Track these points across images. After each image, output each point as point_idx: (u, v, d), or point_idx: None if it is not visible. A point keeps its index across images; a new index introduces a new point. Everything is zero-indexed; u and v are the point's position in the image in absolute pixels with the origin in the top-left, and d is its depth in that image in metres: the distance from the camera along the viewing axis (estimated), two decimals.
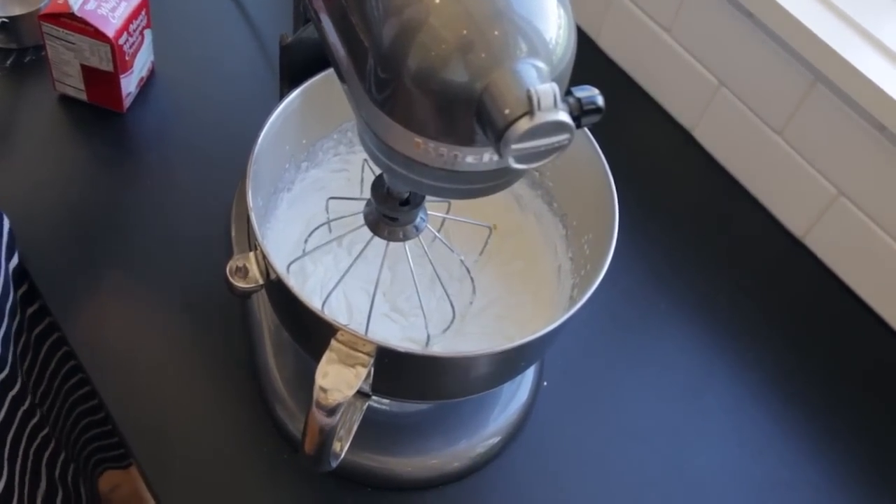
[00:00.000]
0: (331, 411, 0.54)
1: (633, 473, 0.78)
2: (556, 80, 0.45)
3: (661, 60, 0.99)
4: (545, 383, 0.81)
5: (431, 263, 0.66)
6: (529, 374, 0.79)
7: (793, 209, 0.94)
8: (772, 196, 0.96)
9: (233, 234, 0.69)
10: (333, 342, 0.54)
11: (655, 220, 0.94)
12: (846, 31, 0.81)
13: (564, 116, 0.41)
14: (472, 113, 0.44)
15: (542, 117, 0.41)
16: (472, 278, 0.71)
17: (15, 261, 0.77)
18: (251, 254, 0.58)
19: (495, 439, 0.76)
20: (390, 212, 0.58)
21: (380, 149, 0.49)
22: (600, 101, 0.45)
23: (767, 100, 0.91)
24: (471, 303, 0.73)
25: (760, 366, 0.86)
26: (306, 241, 0.69)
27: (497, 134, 0.42)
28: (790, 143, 0.90)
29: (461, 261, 0.70)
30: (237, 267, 0.57)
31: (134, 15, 0.85)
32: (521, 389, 0.78)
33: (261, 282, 0.57)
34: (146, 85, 0.94)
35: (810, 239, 0.94)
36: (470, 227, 0.74)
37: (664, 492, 0.78)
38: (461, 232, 0.76)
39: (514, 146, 0.42)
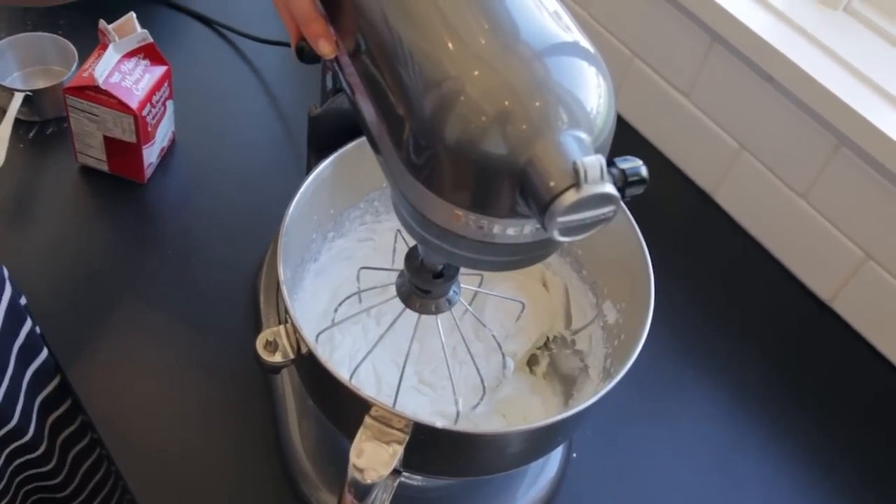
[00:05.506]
0: (365, 491, 0.52)
1: None
2: (598, 150, 0.44)
3: (680, 125, 0.99)
4: (574, 455, 0.79)
5: (463, 339, 0.65)
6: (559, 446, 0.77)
7: (819, 273, 0.93)
8: (797, 260, 0.95)
9: (261, 306, 0.67)
10: (367, 419, 0.53)
11: (677, 285, 0.93)
12: (869, 94, 0.81)
13: (611, 189, 0.41)
14: (513, 185, 0.43)
15: (588, 190, 0.40)
16: (503, 353, 0.69)
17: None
18: (281, 328, 0.56)
19: None
20: (424, 284, 0.57)
21: (416, 220, 0.49)
22: (644, 171, 0.44)
23: (790, 163, 0.90)
24: (504, 376, 0.71)
25: (794, 434, 0.84)
26: (336, 310, 0.68)
27: (542, 206, 0.41)
28: (814, 206, 0.90)
29: (493, 336, 0.69)
30: (267, 341, 0.56)
31: (157, 87, 0.85)
32: (550, 462, 0.76)
33: (291, 356, 0.56)
34: (167, 155, 0.94)
35: (838, 303, 0.92)
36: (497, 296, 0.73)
37: None
38: (489, 301, 0.75)
39: (559, 219, 0.41)
